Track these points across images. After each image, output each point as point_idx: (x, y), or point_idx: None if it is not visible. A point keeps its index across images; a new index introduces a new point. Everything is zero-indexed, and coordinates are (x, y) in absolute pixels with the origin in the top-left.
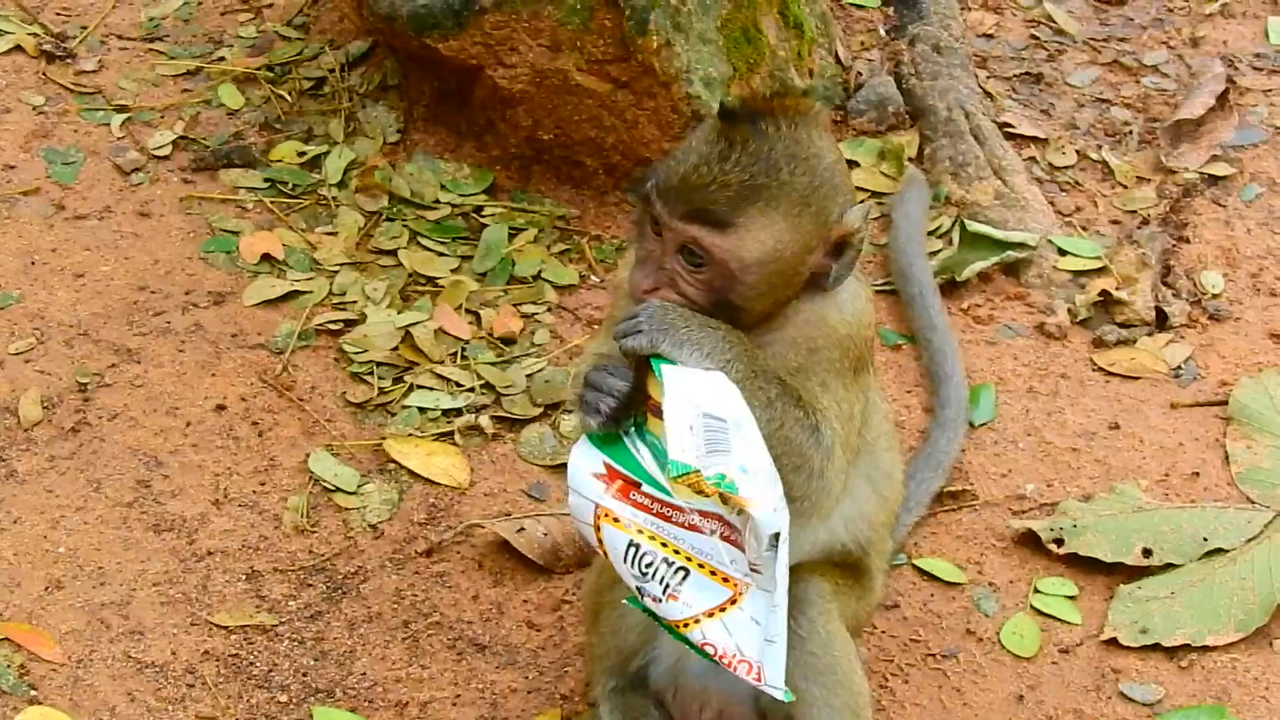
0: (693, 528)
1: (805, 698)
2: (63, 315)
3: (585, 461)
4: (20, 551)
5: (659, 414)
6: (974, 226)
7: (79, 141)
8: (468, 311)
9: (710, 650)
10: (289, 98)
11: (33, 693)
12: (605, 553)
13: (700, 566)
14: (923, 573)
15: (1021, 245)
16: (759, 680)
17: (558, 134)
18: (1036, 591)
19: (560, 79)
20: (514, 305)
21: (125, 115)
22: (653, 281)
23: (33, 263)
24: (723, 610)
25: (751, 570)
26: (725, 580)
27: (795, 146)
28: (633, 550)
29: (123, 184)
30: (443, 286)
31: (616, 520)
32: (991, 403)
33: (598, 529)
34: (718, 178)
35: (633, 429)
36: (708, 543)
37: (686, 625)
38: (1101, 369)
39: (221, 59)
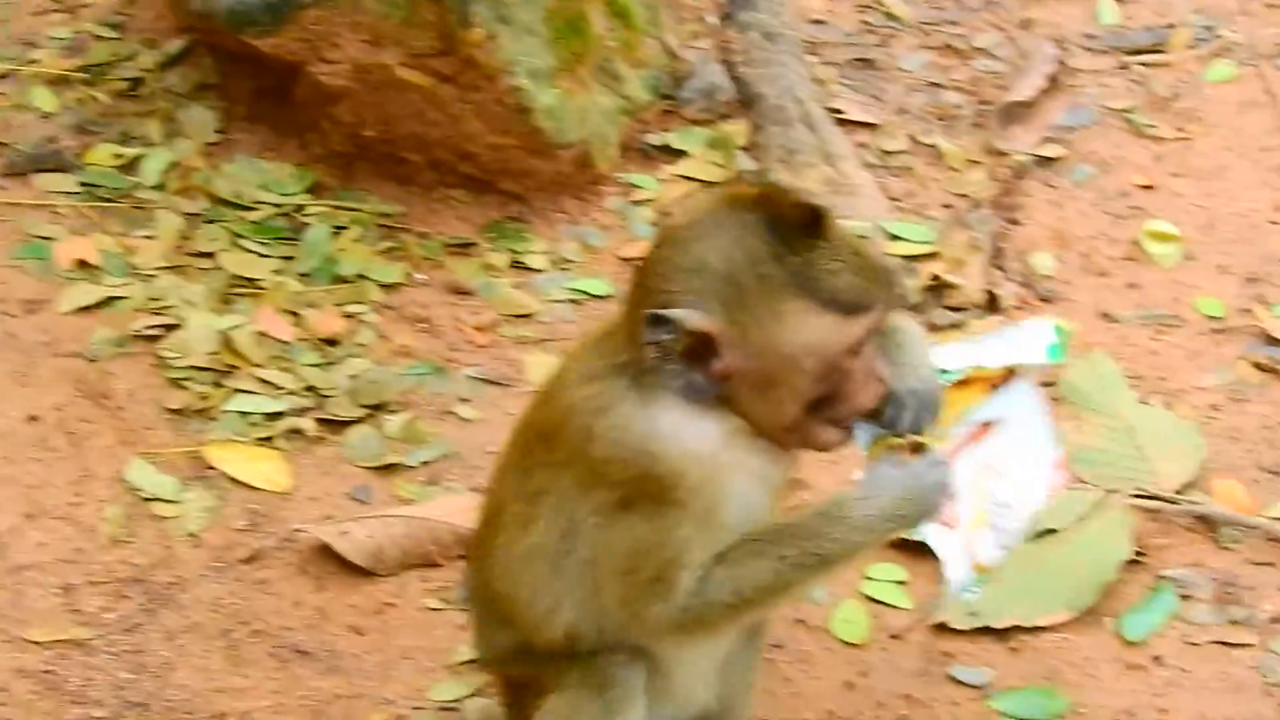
0: None
1: None
2: None
3: None
4: None
5: None
6: None
7: None
8: (290, 313)
9: None
10: (105, 99)
11: None
12: None
13: None
14: None
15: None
16: None
17: (381, 130)
18: (866, 578)
19: (383, 74)
20: (337, 305)
21: None
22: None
23: None
24: None
25: None
26: None
27: None
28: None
29: None
30: (264, 288)
31: None
32: None
33: None
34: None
35: None
36: None
37: None
38: None
39: (34, 61)
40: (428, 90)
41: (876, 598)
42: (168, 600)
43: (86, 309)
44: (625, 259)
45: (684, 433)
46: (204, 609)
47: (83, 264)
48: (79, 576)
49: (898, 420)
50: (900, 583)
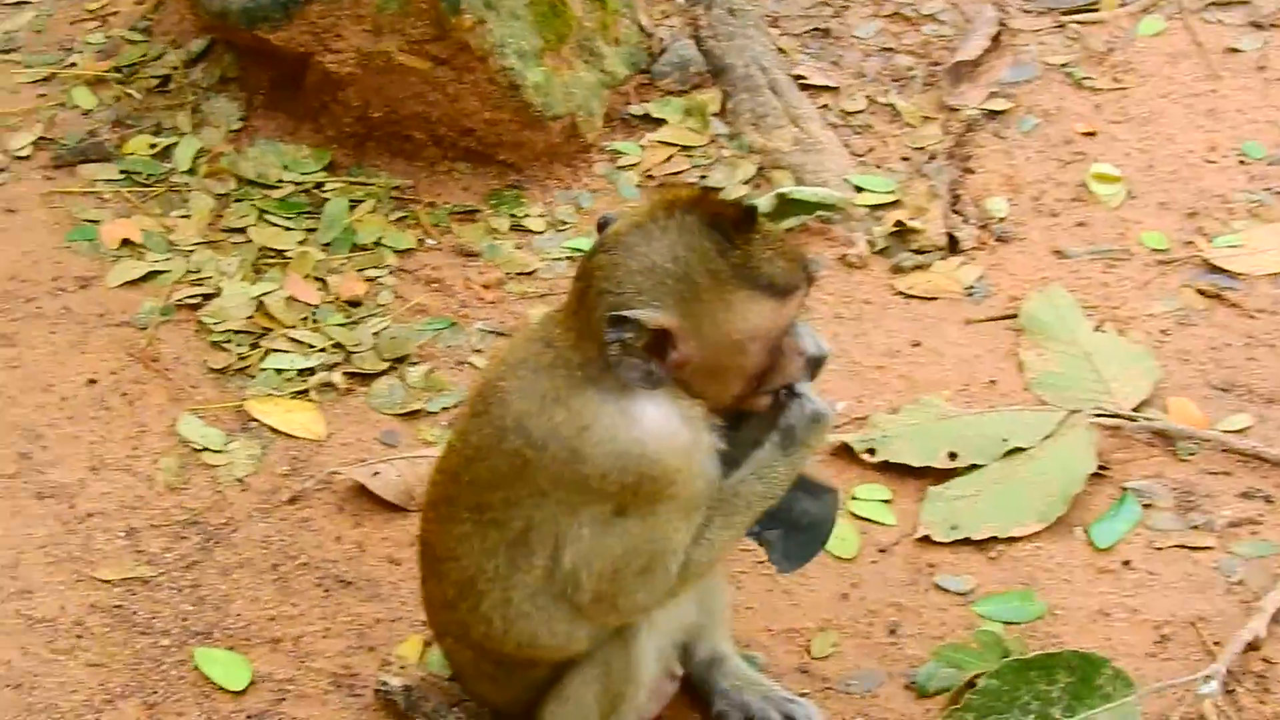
0: None
1: None
2: None
3: None
4: None
5: None
6: (794, 192)
7: None
8: (316, 279)
9: None
10: (138, 96)
11: None
12: None
13: None
14: None
15: (831, 207)
16: None
17: (386, 111)
18: (854, 498)
19: (384, 60)
20: (358, 271)
21: None
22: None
23: None
24: None
25: None
26: None
27: None
28: None
29: None
30: (291, 258)
31: None
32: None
33: None
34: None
35: None
36: None
37: None
38: (901, 293)
39: (73, 64)
40: (426, 73)
41: (864, 515)
42: (221, 540)
43: (133, 283)
44: None
45: (666, 428)
46: (254, 546)
47: (127, 243)
48: (141, 521)
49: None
50: (885, 501)
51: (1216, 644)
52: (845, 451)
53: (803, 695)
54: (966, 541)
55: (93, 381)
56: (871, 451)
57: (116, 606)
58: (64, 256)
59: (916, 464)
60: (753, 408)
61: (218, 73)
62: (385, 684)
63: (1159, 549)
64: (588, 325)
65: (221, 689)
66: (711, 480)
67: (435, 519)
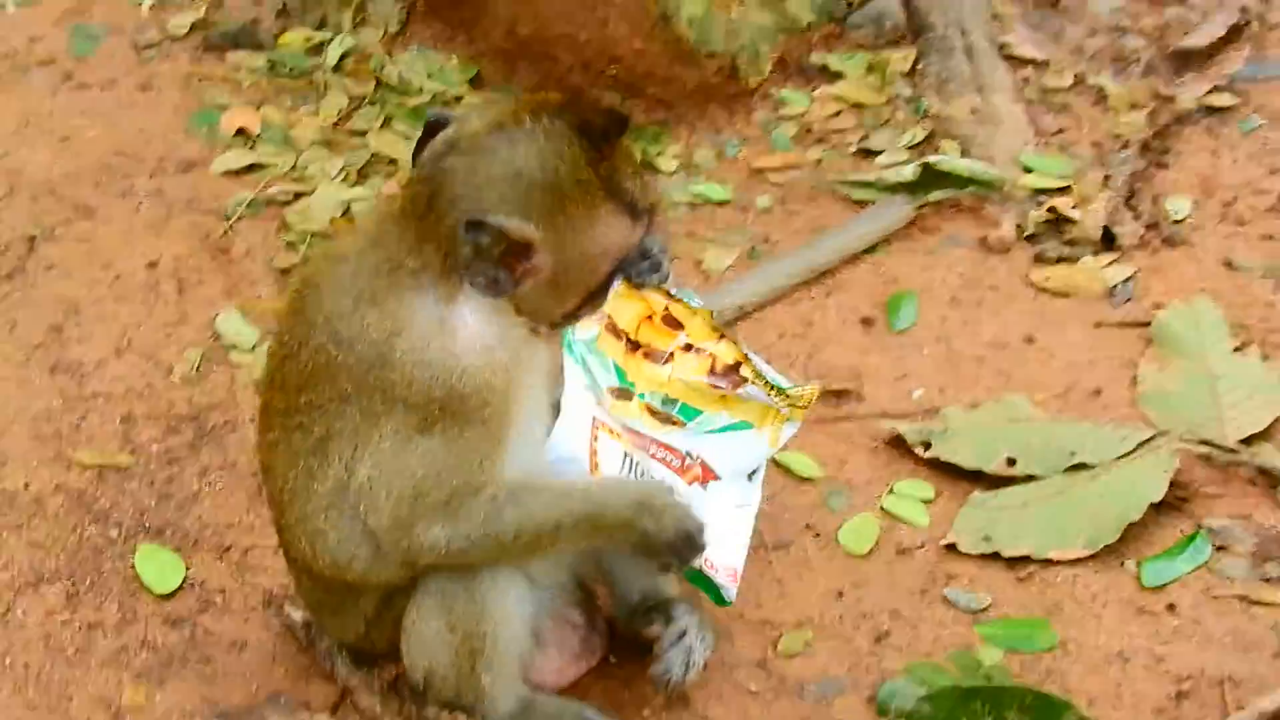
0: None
1: None
2: (37, 173)
3: (573, 375)
4: None
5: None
6: (941, 162)
7: (109, 20)
8: None
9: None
10: None
11: None
12: (597, 466)
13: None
14: (779, 465)
15: (985, 184)
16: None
17: (535, 28)
18: (890, 493)
19: None
20: None
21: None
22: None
23: (27, 124)
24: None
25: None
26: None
27: None
28: (627, 460)
29: (134, 60)
30: (401, 167)
31: (612, 431)
32: (913, 310)
33: (594, 442)
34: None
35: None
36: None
37: None
38: (1034, 284)
39: None
40: None
41: (894, 512)
42: (213, 439)
43: (235, 172)
44: (758, 169)
45: (484, 343)
46: (244, 451)
47: (242, 132)
48: (141, 408)
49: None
50: (924, 500)
51: (1240, 708)
52: (898, 442)
53: (752, 692)
54: (996, 557)
55: (153, 265)
56: (926, 445)
57: (81, 491)
58: (178, 139)
59: (968, 465)
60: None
61: None
62: (288, 615)
63: (1215, 597)
64: (433, 229)
65: (148, 590)
66: (530, 413)
67: (258, 430)
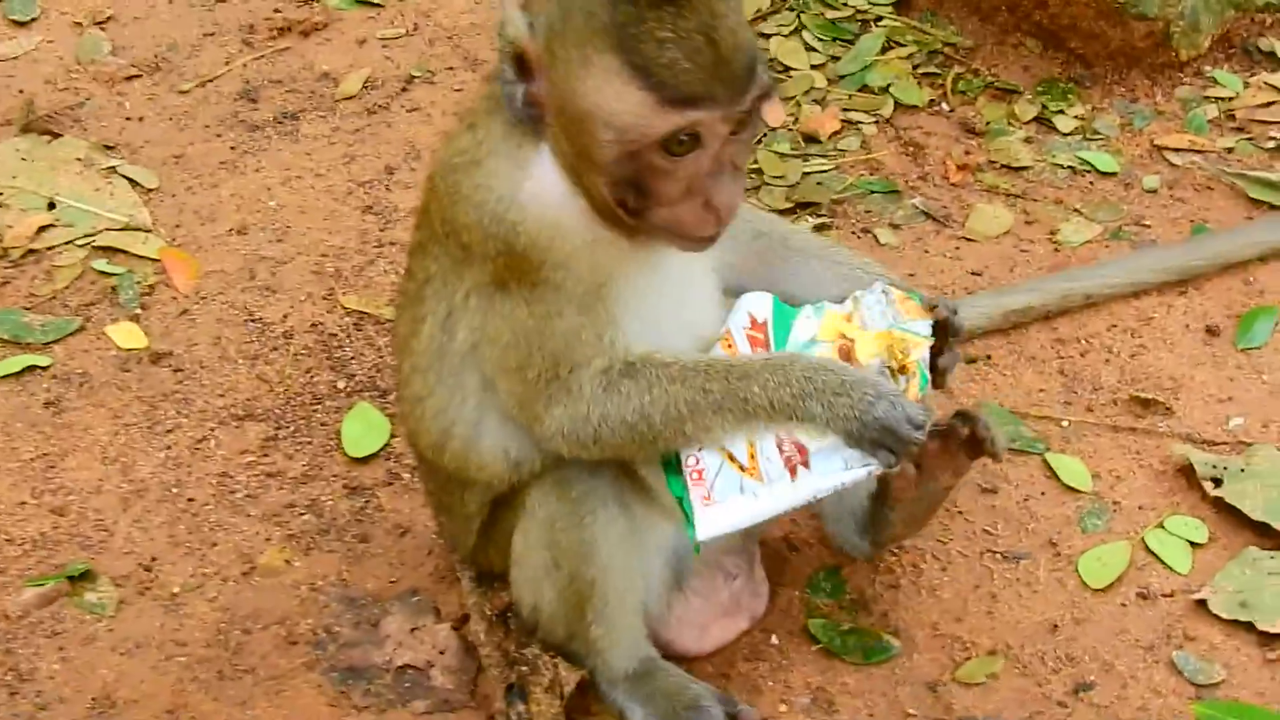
0: None
1: None
2: (447, 20)
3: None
4: (237, 193)
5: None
6: None
7: None
8: (795, 103)
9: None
10: None
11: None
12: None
13: None
14: (1049, 468)
15: None
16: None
17: None
18: (1159, 526)
19: None
20: (844, 109)
21: None
22: (732, 194)
23: None
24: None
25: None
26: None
27: None
28: None
29: None
30: (791, 78)
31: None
32: (1268, 329)
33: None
34: (738, 31)
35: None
36: None
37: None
38: None
39: None
40: None
41: (1155, 548)
42: None
43: None
44: (1158, 146)
45: (542, 195)
46: None
47: None
48: None
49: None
50: (1194, 544)
51: None
52: (1189, 471)
53: (908, 714)
54: (1250, 627)
55: None
56: (1217, 482)
57: (332, 335)
58: None
59: (1256, 516)
60: (653, 236)
61: None
62: None
63: None
64: None
65: (344, 450)
66: (635, 293)
67: None
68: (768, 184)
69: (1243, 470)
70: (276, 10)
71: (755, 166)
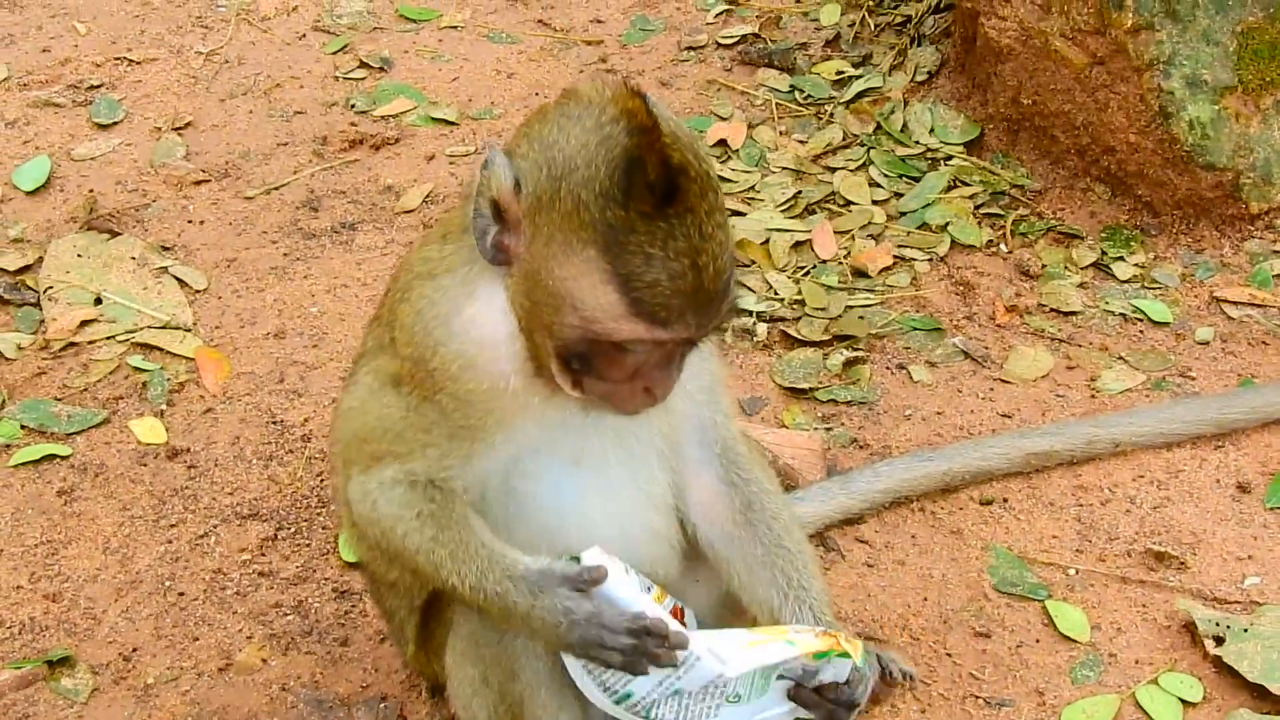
0: None
1: None
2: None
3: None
4: (281, 298)
5: None
6: None
7: (672, 17)
8: (848, 237)
9: None
10: (873, 26)
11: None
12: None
13: None
14: (1048, 616)
15: None
16: None
17: (1036, 100)
18: (1153, 682)
19: (1042, 41)
20: (899, 246)
21: (728, 7)
22: (670, 382)
23: (537, 95)
24: None
25: None
26: None
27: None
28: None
29: (671, 57)
30: (848, 212)
31: None
32: None
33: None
34: (722, 255)
35: None
36: None
37: None
38: None
39: None
40: (1079, 68)
41: (1145, 705)
42: None
43: None
44: (1219, 299)
45: (475, 326)
46: None
47: (723, 143)
48: None
49: None
50: (1187, 702)
51: None
52: (1191, 627)
53: None
54: None
55: None
56: (1219, 640)
57: None
58: None
59: (1252, 678)
60: (568, 394)
61: (944, 25)
62: None
63: None
64: None
65: (339, 553)
66: (500, 422)
67: None
68: (808, 315)
69: (1246, 630)
70: (352, 124)
71: (798, 297)
